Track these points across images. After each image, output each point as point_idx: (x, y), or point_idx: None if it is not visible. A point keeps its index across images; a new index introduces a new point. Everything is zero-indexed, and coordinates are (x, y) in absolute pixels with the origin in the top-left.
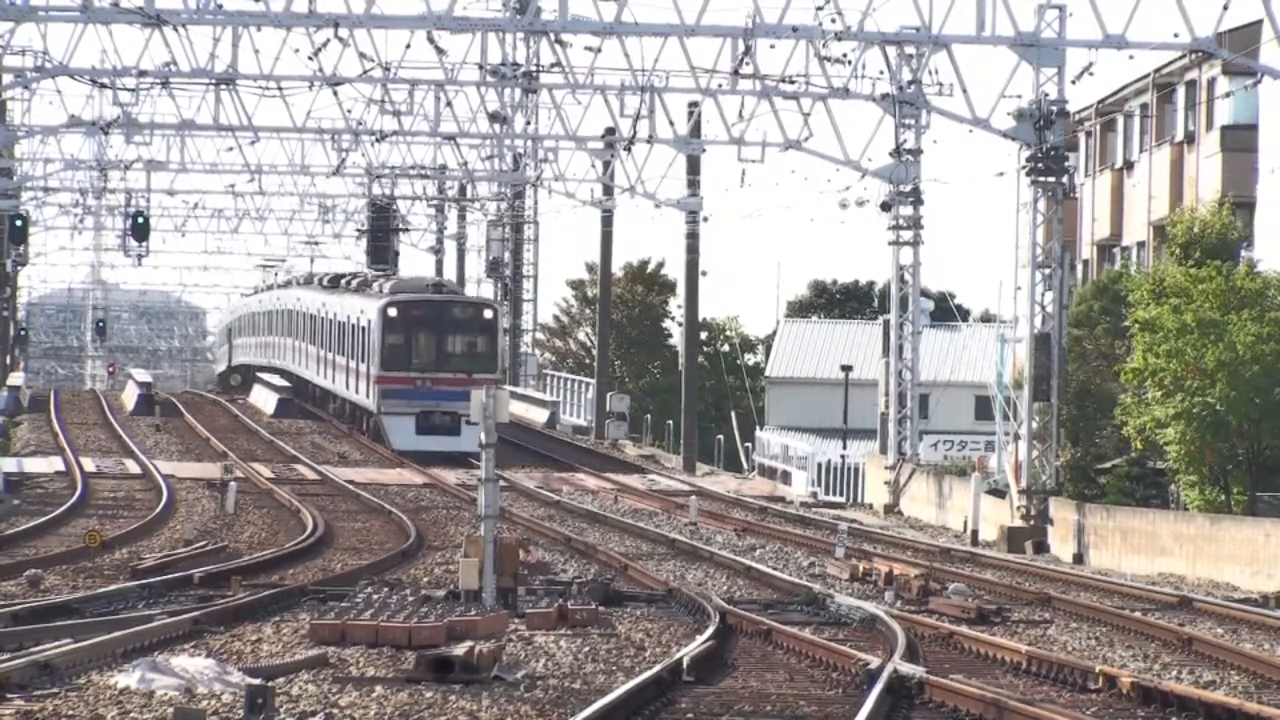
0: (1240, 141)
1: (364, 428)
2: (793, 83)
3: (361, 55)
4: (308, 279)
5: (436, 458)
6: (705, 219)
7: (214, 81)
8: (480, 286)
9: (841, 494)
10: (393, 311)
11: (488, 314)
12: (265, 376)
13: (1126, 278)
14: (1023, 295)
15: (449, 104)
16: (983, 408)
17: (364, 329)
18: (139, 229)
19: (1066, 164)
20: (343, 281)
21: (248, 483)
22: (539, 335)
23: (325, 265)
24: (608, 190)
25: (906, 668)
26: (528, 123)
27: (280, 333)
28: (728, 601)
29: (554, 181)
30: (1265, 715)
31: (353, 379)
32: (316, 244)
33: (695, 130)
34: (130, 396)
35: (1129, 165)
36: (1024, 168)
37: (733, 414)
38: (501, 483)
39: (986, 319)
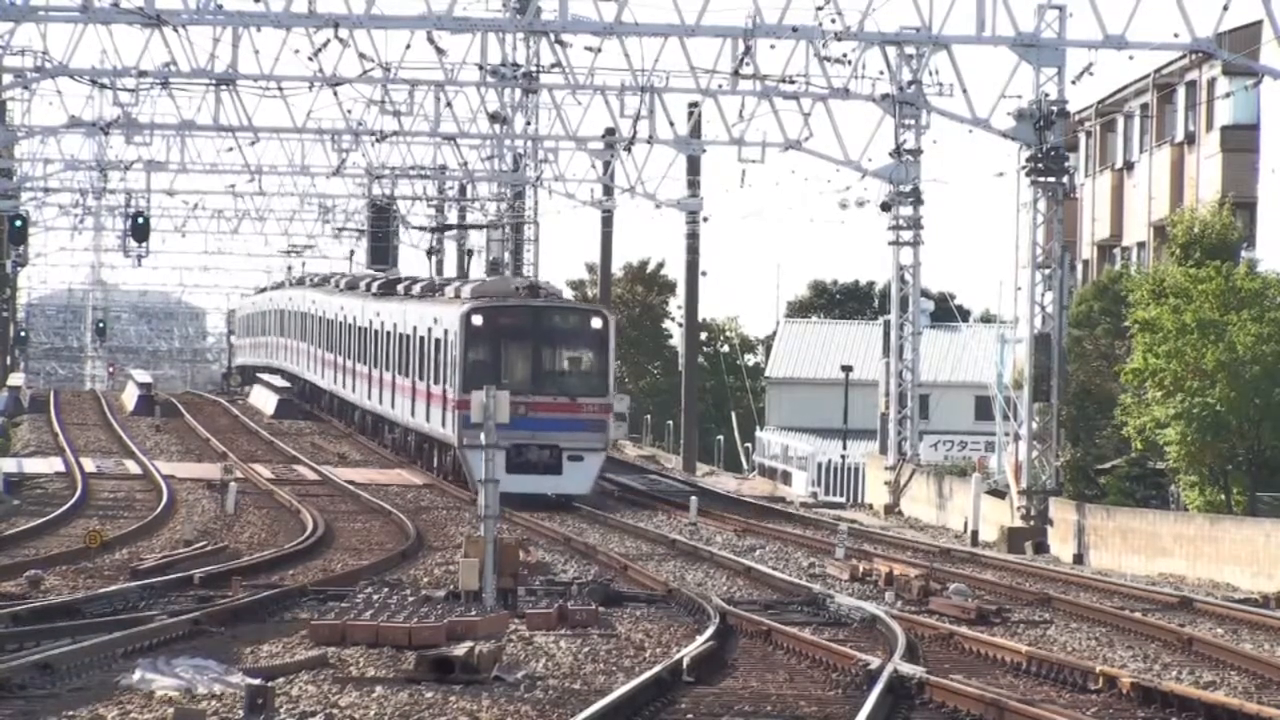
0: (1240, 141)
1: (437, 464)
2: (793, 83)
3: (361, 55)
4: (351, 283)
5: (532, 502)
6: (705, 219)
7: (214, 81)
8: None
9: (841, 494)
10: (478, 319)
11: (597, 323)
12: (265, 376)
13: (1126, 278)
14: (1023, 295)
15: (449, 104)
16: (983, 408)
17: (438, 342)
18: (139, 229)
19: (1066, 164)
20: (400, 287)
21: (248, 483)
22: None
23: (326, 265)
24: (608, 190)
25: (906, 668)
26: (528, 123)
27: (315, 343)
28: (728, 602)
29: (554, 182)
30: (1265, 715)
31: (421, 404)
32: (356, 234)
33: (695, 130)
34: (130, 397)
35: (1129, 165)
36: (1024, 168)
37: (733, 414)
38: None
39: (986, 319)
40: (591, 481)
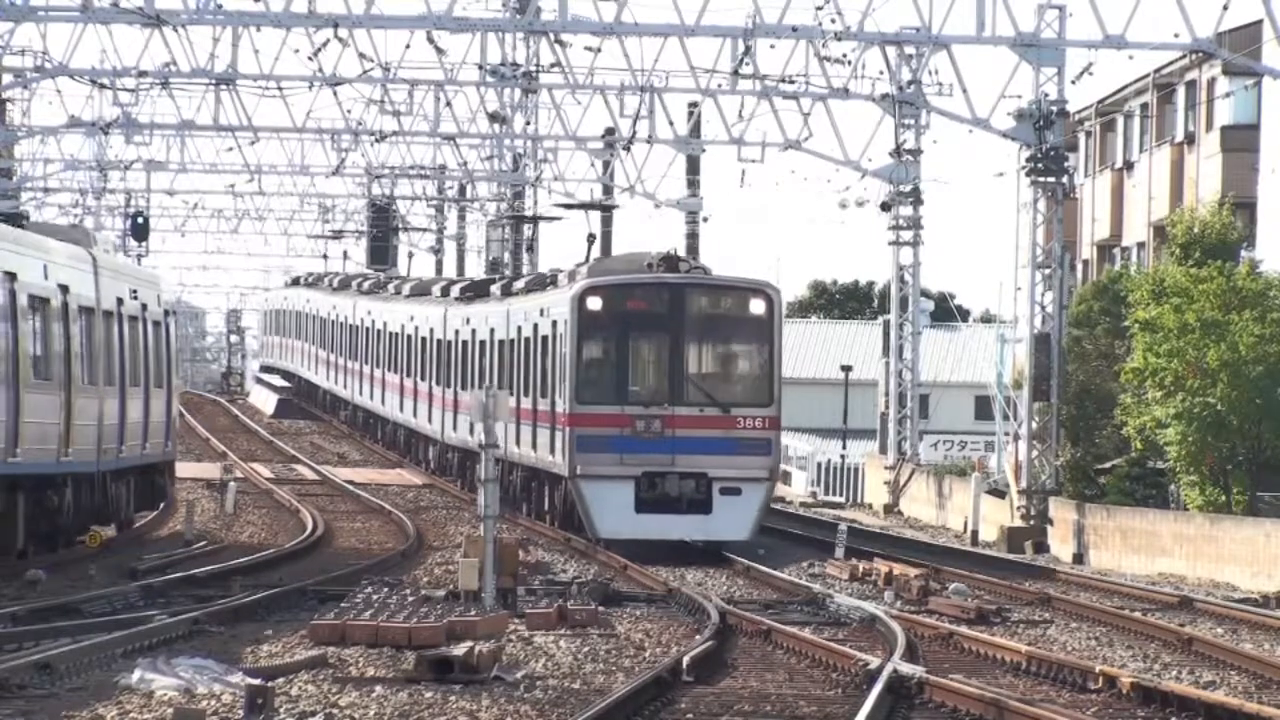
0: (1240, 141)
1: (548, 505)
2: (793, 83)
3: (361, 55)
4: (419, 288)
5: (669, 551)
6: (705, 219)
7: (214, 81)
8: None
9: (841, 494)
10: (595, 302)
11: (758, 306)
12: (266, 376)
13: (1126, 278)
14: (1023, 295)
15: (449, 104)
16: (983, 408)
17: (545, 340)
18: (139, 229)
19: (1066, 164)
20: (494, 288)
21: (247, 483)
22: None
23: (320, 264)
24: (607, 190)
25: (906, 668)
26: (527, 123)
27: (371, 361)
28: (727, 601)
29: (554, 181)
30: (1265, 715)
31: (526, 429)
32: (410, 230)
33: (695, 130)
34: None
35: (1129, 165)
36: (1024, 168)
37: None
38: None
39: (986, 319)
40: (752, 524)
